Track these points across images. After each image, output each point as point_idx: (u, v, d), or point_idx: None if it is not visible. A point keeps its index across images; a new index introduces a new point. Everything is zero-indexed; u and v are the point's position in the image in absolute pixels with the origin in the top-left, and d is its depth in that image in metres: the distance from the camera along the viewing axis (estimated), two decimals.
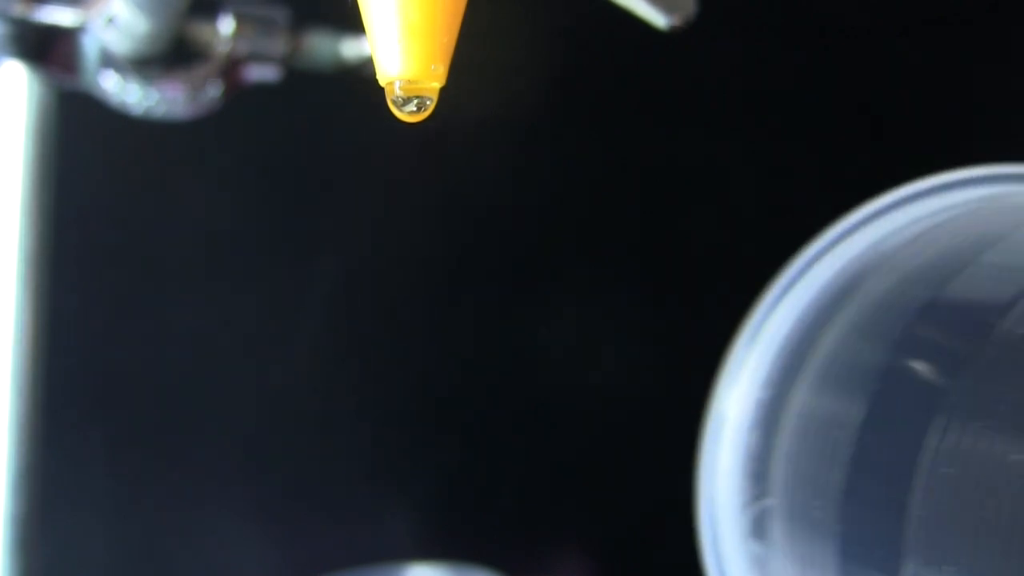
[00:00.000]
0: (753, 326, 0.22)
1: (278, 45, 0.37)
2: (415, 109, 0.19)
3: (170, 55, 0.35)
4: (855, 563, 0.17)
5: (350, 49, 0.39)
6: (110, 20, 0.34)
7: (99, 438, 0.47)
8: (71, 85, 0.36)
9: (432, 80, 0.18)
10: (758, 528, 0.20)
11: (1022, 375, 0.14)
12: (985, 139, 0.47)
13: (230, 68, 0.37)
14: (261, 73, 0.38)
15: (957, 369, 0.15)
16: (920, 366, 0.16)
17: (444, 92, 0.19)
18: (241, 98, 0.38)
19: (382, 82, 0.19)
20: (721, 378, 0.21)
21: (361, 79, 0.38)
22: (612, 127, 0.53)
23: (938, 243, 0.17)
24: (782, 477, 0.20)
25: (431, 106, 0.19)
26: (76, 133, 0.39)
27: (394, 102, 0.19)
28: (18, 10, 0.34)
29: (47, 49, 0.35)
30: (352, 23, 0.32)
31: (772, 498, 0.20)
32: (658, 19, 0.28)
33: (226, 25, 0.36)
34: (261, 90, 0.38)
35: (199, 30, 0.36)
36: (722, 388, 0.21)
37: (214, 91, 0.37)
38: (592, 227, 0.52)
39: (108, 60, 0.35)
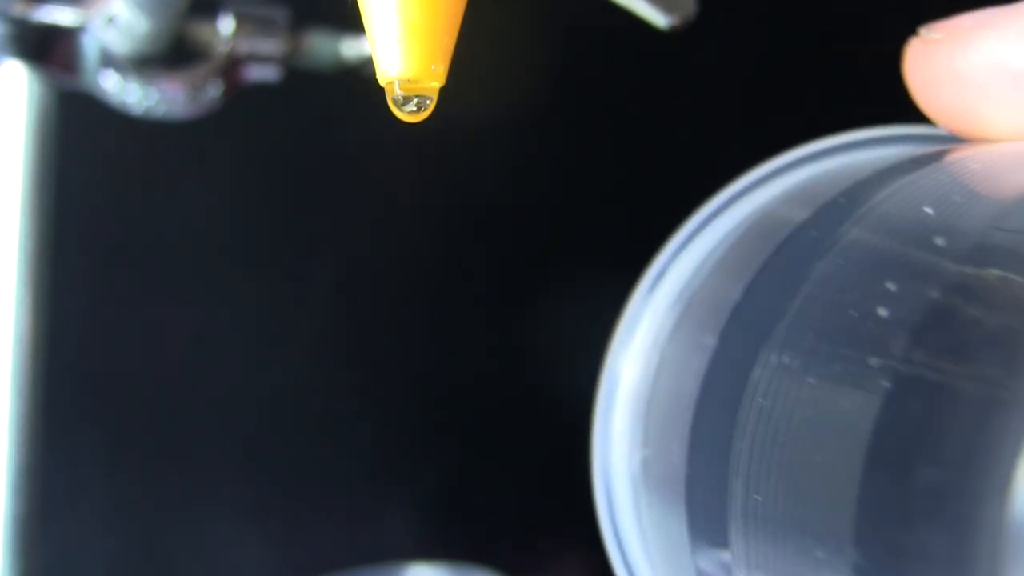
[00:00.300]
0: (646, 284, 0.22)
1: (278, 45, 0.37)
2: (415, 109, 0.19)
3: (170, 55, 0.35)
4: (698, 505, 0.17)
5: (350, 49, 0.38)
6: (110, 20, 0.34)
7: (99, 438, 0.47)
8: (71, 85, 0.36)
9: (432, 80, 0.18)
10: (641, 482, 0.21)
11: (830, 308, 0.14)
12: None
13: (230, 68, 0.37)
14: (261, 73, 0.38)
15: (787, 303, 0.15)
16: (760, 300, 0.17)
17: (444, 92, 0.19)
18: (241, 98, 0.38)
19: (382, 82, 0.19)
20: (613, 338, 0.21)
21: (361, 79, 0.38)
22: (612, 127, 0.53)
23: (813, 191, 0.18)
24: (654, 425, 0.20)
25: (431, 106, 0.19)
26: (76, 133, 0.39)
27: (394, 101, 0.19)
28: (18, 10, 0.34)
29: (47, 49, 0.35)
30: (352, 23, 0.32)
31: (647, 448, 0.20)
32: (658, 19, 0.28)
33: (226, 25, 0.36)
34: (261, 90, 0.38)
35: (199, 30, 0.36)
36: (614, 348, 0.22)
37: (214, 91, 0.37)
38: (592, 227, 0.52)
39: (108, 60, 0.35)
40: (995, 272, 0.12)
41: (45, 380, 0.38)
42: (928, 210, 0.14)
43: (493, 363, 0.52)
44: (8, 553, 0.37)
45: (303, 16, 0.38)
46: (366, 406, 0.51)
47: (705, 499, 0.17)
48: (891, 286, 0.13)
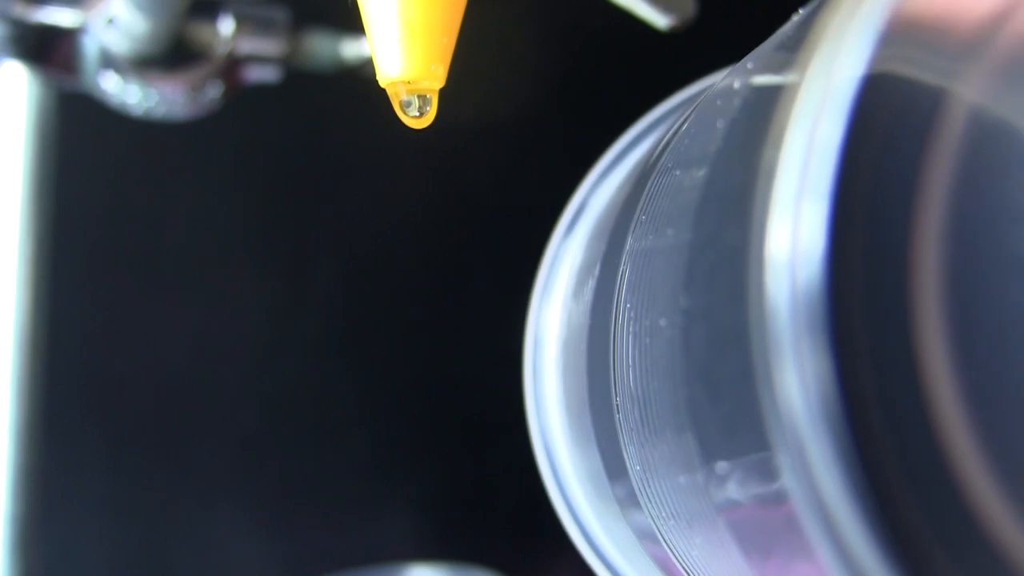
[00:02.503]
0: (557, 237, 0.24)
1: (278, 45, 0.37)
2: (418, 114, 0.19)
3: (170, 55, 0.35)
4: (601, 432, 0.19)
5: (350, 49, 0.39)
6: (110, 20, 0.34)
7: (99, 438, 0.47)
8: (71, 85, 0.36)
9: (432, 80, 0.18)
10: (564, 417, 0.22)
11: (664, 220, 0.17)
12: None
13: (230, 68, 0.37)
14: (261, 73, 0.38)
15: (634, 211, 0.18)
16: (623, 219, 0.19)
17: (444, 92, 0.19)
18: (241, 98, 0.38)
19: (382, 83, 0.19)
20: (531, 306, 0.23)
21: (361, 79, 0.38)
22: (612, 127, 0.53)
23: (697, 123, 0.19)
24: (572, 369, 0.22)
25: (432, 111, 0.19)
26: (76, 133, 0.39)
27: (402, 107, 0.19)
28: (18, 10, 0.34)
29: (47, 49, 0.35)
30: (352, 23, 0.32)
31: (564, 383, 0.22)
32: (658, 19, 0.28)
33: (226, 25, 0.36)
34: (261, 90, 0.38)
35: (199, 30, 0.36)
36: (532, 312, 0.23)
37: (214, 91, 0.37)
38: None
39: (108, 60, 0.35)
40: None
41: (45, 380, 0.38)
42: (720, 124, 0.16)
43: (493, 363, 0.52)
44: (8, 553, 0.37)
45: (303, 16, 0.38)
46: (366, 406, 0.51)
47: (602, 418, 0.18)
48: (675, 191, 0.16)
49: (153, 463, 0.48)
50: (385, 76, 0.18)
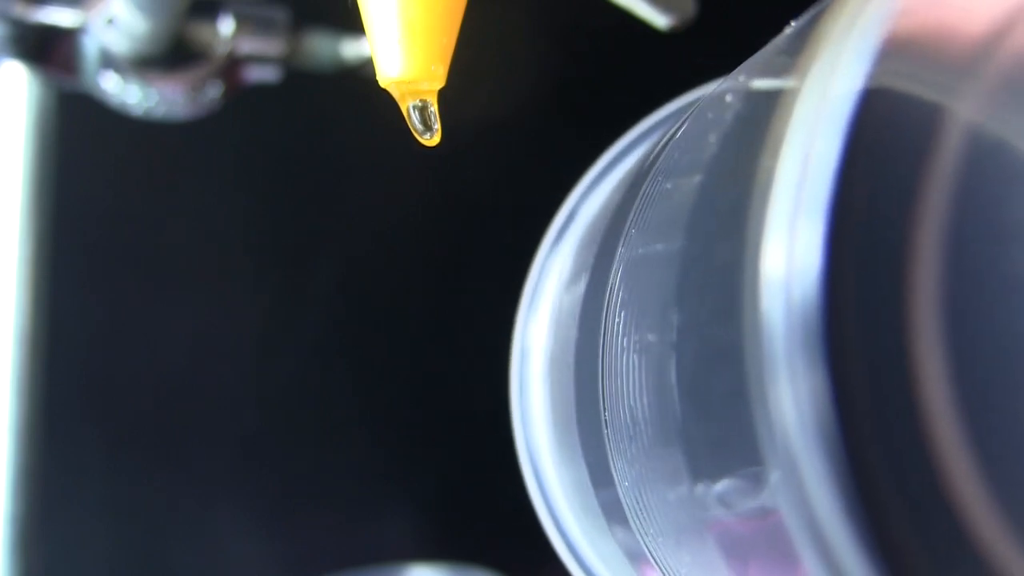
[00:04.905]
0: (544, 248, 0.24)
1: (278, 45, 0.37)
2: (422, 128, 0.19)
3: (170, 55, 0.35)
4: (587, 433, 0.19)
5: (350, 49, 0.39)
6: (110, 20, 0.34)
7: (99, 438, 0.47)
8: (71, 85, 0.36)
9: (432, 81, 0.18)
10: (550, 424, 0.22)
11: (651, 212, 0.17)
12: None
13: (230, 68, 0.37)
14: (261, 73, 0.38)
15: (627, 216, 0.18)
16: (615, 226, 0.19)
17: (444, 92, 0.19)
18: (241, 98, 0.38)
19: (382, 83, 0.19)
20: (518, 316, 0.23)
21: (361, 79, 0.38)
22: (612, 127, 0.53)
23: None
24: (558, 383, 0.22)
25: (439, 128, 0.19)
26: (76, 133, 0.39)
27: (411, 122, 0.19)
28: (18, 10, 0.34)
29: (47, 49, 0.35)
30: (352, 23, 0.32)
31: (551, 391, 0.22)
32: (658, 19, 0.28)
33: (226, 25, 0.36)
34: (261, 90, 0.38)
35: (199, 30, 0.36)
36: (520, 323, 0.23)
37: (214, 91, 0.37)
38: None
39: (108, 61, 0.35)
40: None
41: (45, 380, 0.38)
42: (711, 139, 0.16)
43: (494, 363, 0.52)
44: (8, 553, 0.37)
45: (303, 16, 0.38)
46: (366, 406, 0.51)
47: (590, 432, 0.18)
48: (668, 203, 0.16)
49: (153, 463, 0.48)
50: (385, 76, 0.18)
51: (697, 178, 0.15)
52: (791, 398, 0.11)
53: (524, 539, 0.52)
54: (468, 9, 0.19)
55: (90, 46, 0.35)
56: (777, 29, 0.17)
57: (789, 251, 0.11)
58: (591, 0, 0.28)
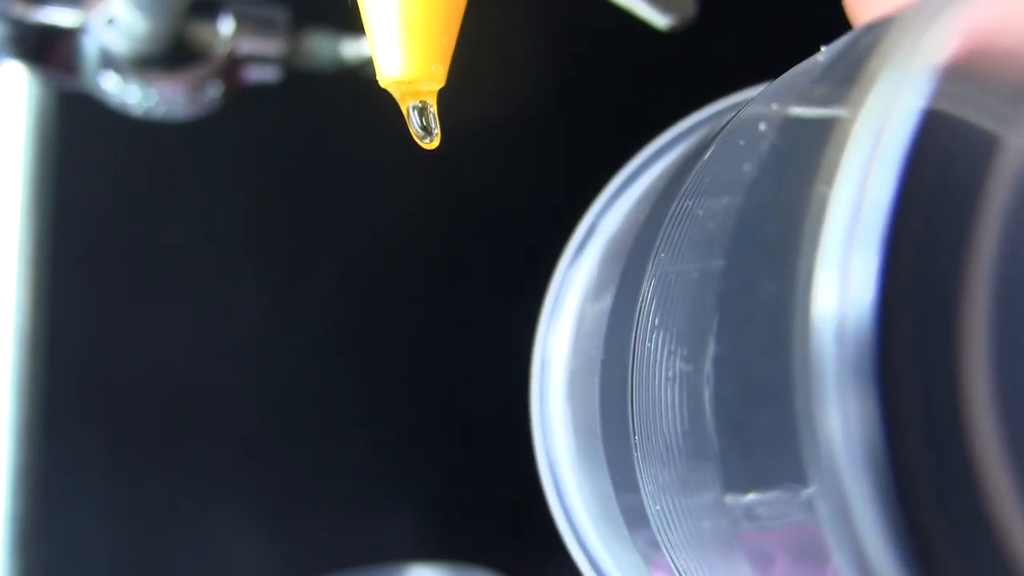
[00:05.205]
0: (565, 261, 0.24)
1: (278, 45, 0.37)
2: (431, 139, 0.19)
3: (170, 55, 0.35)
4: (614, 453, 0.19)
5: (350, 49, 0.38)
6: (110, 20, 0.34)
7: (99, 438, 0.47)
8: (71, 85, 0.36)
9: (432, 81, 0.18)
10: (571, 435, 0.22)
11: (687, 247, 0.16)
12: None
13: (230, 68, 0.37)
14: (261, 73, 0.38)
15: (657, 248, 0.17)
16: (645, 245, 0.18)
17: (444, 93, 0.19)
18: (241, 98, 0.38)
19: (382, 83, 0.19)
20: (539, 327, 0.23)
21: (361, 79, 0.38)
22: (612, 127, 0.53)
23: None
24: (581, 401, 0.21)
25: (439, 131, 0.19)
26: (76, 133, 0.39)
27: (411, 125, 0.19)
28: (18, 10, 0.34)
29: (47, 49, 0.35)
30: (352, 23, 0.32)
31: (572, 405, 0.22)
32: (658, 19, 0.28)
33: (226, 25, 0.36)
34: (261, 90, 0.38)
35: (199, 30, 0.36)
36: (541, 334, 0.23)
37: (214, 91, 0.37)
38: None
39: (108, 61, 0.35)
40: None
41: (45, 380, 0.38)
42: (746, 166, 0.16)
43: (494, 363, 0.52)
44: (8, 553, 0.37)
45: (303, 16, 0.38)
46: (366, 406, 0.51)
47: (616, 448, 0.18)
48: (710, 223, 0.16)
49: (153, 463, 0.48)
50: (385, 76, 0.18)
51: (732, 205, 0.15)
52: (842, 434, 0.11)
53: (525, 539, 0.52)
54: (468, 9, 0.18)
55: (90, 46, 0.35)
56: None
57: (842, 287, 0.11)
58: (591, 0, 0.28)
